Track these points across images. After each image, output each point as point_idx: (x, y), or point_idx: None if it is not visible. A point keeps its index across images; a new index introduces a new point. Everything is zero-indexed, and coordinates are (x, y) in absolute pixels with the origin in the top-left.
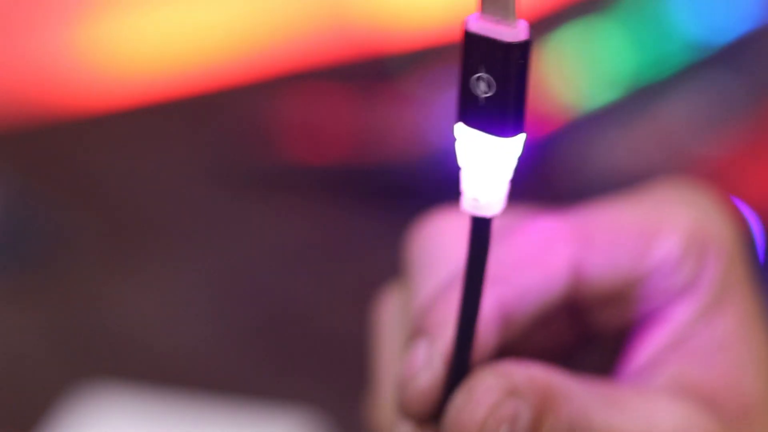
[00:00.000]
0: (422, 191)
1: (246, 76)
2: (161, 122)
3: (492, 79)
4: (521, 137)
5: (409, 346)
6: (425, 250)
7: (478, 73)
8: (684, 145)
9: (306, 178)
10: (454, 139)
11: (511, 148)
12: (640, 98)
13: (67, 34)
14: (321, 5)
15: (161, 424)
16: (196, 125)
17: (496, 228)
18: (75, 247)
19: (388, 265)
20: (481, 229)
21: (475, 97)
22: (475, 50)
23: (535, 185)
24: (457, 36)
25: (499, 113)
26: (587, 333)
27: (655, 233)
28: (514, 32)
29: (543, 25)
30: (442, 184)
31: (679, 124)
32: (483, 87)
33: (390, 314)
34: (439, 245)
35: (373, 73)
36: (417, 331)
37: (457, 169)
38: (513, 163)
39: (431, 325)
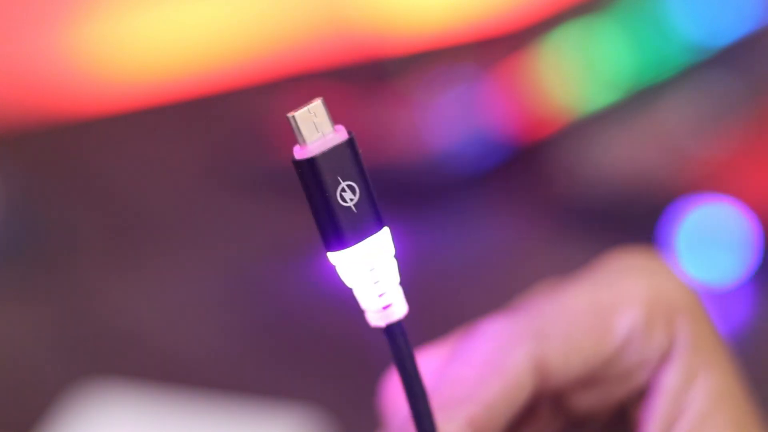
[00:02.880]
0: (421, 191)
1: (247, 78)
2: (164, 123)
3: (351, 183)
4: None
5: None
6: (395, 399)
7: (339, 186)
8: (683, 146)
9: None
10: (453, 140)
11: (389, 239)
12: (640, 99)
13: (70, 36)
14: (320, 8)
15: (163, 423)
16: (198, 126)
17: (450, 345)
18: (77, 246)
19: None
20: (398, 334)
21: (348, 210)
22: (327, 169)
23: (536, 187)
24: (457, 37)
25: (371, 207)
26: (576, 419)
27: (612, 309)
28: (342, 133)
29: (543, 27)
30: (441, 185)
31: (678, 125)
32: (349, 195)
33: None
34: None
35: (372, 75)
36: None
37: (455, 170)
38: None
39: None
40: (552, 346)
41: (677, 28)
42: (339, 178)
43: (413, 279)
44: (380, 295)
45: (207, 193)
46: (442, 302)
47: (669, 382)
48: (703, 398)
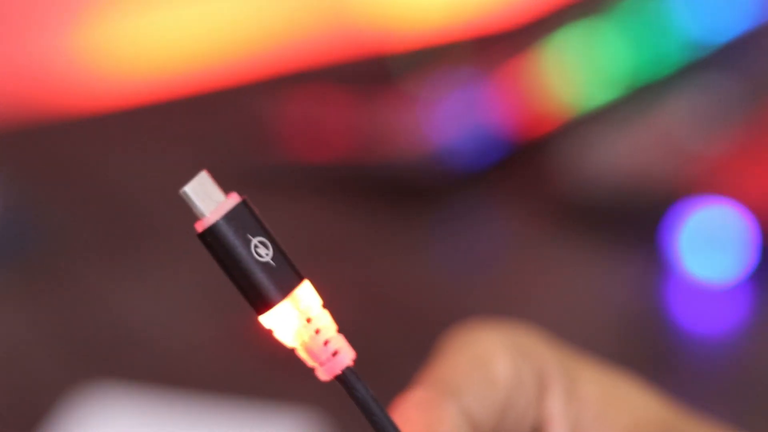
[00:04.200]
0: (424, 190)
1: (248, 76)
2: (163, 121)
3: (262, 238)
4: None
5: None
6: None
7: (251, 243)
8: (682, 144)
9: (308, 177)
10: (454, 137)
11: (312, 290)
12: (639, 97)
13: (68, 35)
14: (322, 6)
15: (162, 424)
16: (198, 124)
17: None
18: (76, 247)
19: (390, 263)
20: (354, 379)
21: (267, 264)
22: (233, 230)
23: (536, 184)
24: (459, 35)
25: (286, 260)
26: None
27: (487, 361)
28: (234, 197)
29: (544, 25)
30: (443, 183)
31: (677, 123)
32: (263, 250)
33: None
34: None
35: (375, 73)
36: None
37: (456, 167)
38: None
39: None
40: (467, 398)
41: (676, 26)
42: (249, 236)
43: (413, 277)
44: (325, 344)
45: None
46: (444, 299)
47: (555, 407)
48: (592, 409)
